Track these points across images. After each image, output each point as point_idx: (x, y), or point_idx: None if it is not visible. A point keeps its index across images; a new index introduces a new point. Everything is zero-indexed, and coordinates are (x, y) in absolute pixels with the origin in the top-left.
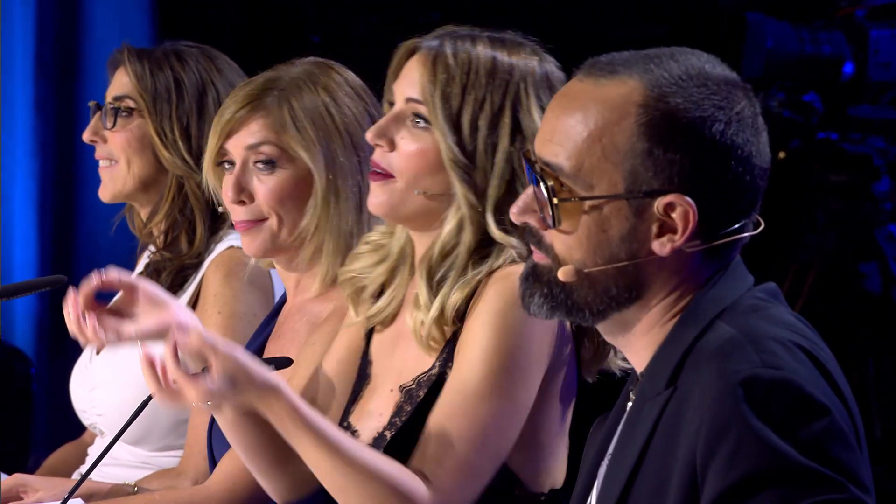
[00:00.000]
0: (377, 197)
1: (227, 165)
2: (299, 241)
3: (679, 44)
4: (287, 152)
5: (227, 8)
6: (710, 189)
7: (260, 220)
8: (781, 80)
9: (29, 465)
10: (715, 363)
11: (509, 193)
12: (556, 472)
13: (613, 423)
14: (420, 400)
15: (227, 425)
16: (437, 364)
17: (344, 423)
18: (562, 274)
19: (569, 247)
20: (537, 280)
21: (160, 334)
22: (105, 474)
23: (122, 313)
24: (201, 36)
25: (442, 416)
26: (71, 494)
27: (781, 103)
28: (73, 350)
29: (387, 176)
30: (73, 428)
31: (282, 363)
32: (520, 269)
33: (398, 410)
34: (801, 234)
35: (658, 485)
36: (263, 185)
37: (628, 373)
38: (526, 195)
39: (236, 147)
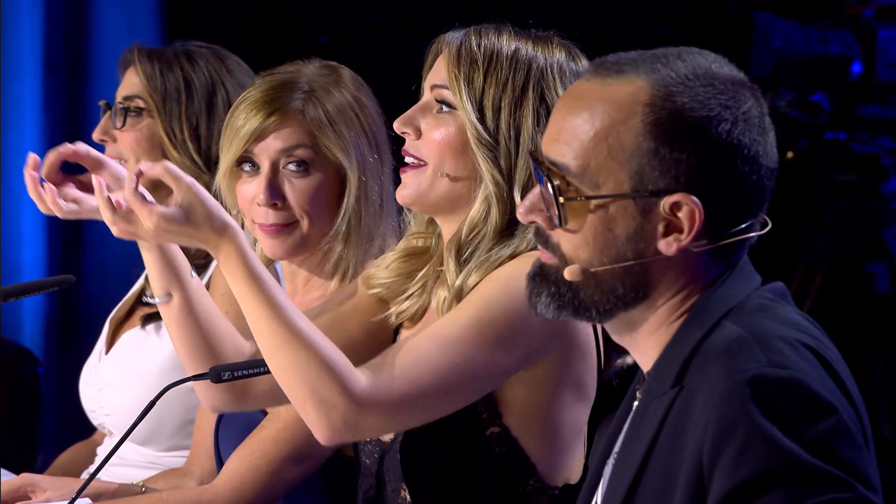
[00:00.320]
0: (406, 186)
1: (247, 168)
2: (327, 243)
3: (687, 44)
4: (322, 154)
5: (234, 7)
6: (717, 188)
7: (290, 224)
8: (789, 79)
9: (36, 465)
10: (722, 362)
11: None
12: (572, 468)
13: (619, 422)
14: None
15: (154, 262)
16: None
17: None
18: (568, 273)
19: (575, 246)
20: (544, 279)
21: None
22: (113, 474)
23: (87, 188)
24: (209, 35)
25: (417, 337)
26: (79, 494)
27: (789, 103)
28: (81, 350)
29: (416, 166)
30: (80, 428)
31: None
32: None
33: None
34: (808, 234)
35: (664, 484)
36: (297, 188)
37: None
38: (533, 194)
39: (266, 151)
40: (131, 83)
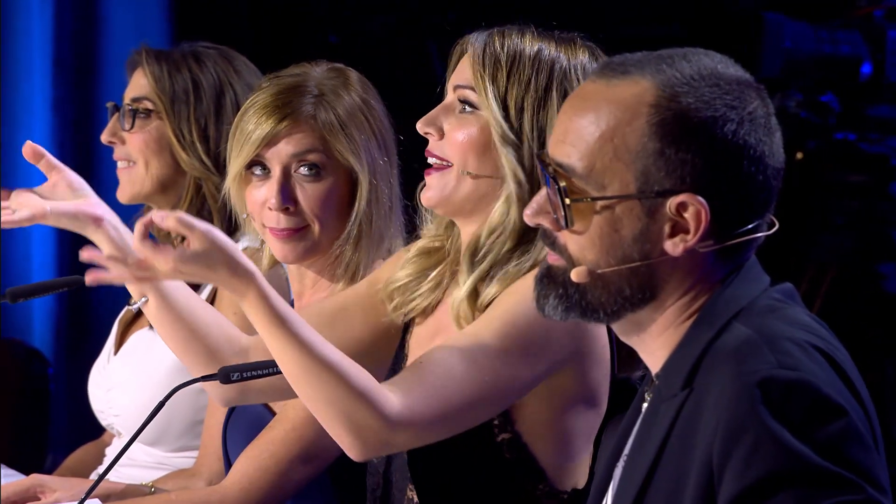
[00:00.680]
0: (431, 188)
1: (258, 172)
2: (339, 246)
3: (696, 44)
4: (334, 158)
5: (243, 8)
6: (723, 188)
7: (302, 228)
8: (799, 80)
9: (46, 466)
10: (731, 364)
11: None
12: (581, 473)
13: (629, 424)
14: None
15: (158, 313)
16: None
17: None
18: (574, 275)
19: (582, 247)
20: (552, 281)
21: (74, 219)
22: (122, 475)
23: (43, 196)
24: (218, 36)
25: (444, 349)
26: (88, 495)
27: (799, 103)
28: (90, 351)
29: (440, 168)
30: (90, 428)
31: None
32: None
33: None
34: (818, 235)
35: (674, 486)
36: (308, 192)
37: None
38: (540, 196)
39: (278, 155)
40: (139, 85)
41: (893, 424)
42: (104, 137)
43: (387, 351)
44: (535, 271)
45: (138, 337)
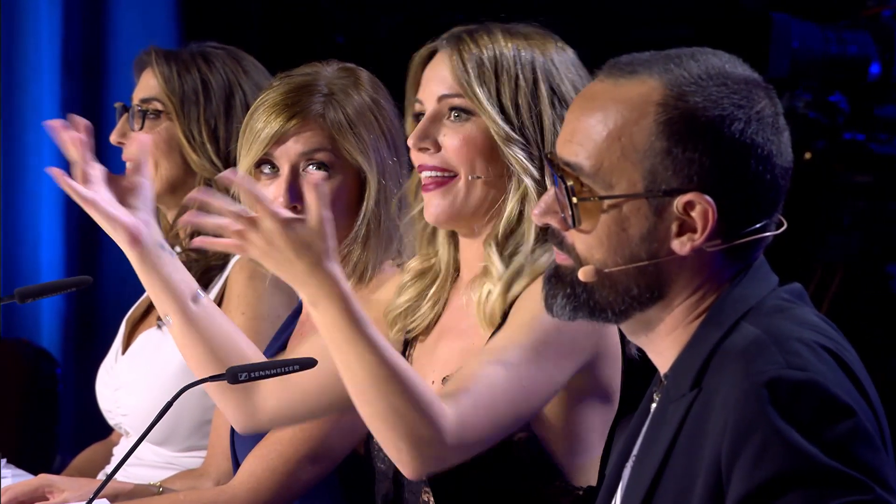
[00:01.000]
0: (436, 205)
1: (266, 170)
2: (346, 246)
3: (704, 44)
4: (342, 158)
5: (252, 8)
6: (730, 188)
7: None
8: (807, 80)
9: (54, 466)
10: (740, 364)
11: None
12: (594, 469)
13: (637, 424)
14: None
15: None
16: None
17: None
18: (582, 274)
19: (589, 246)
20: (560, 281)
21: (110, 225)
22: (130, 475)
23: (114, 183)
24: (226, 36)
25: (483, 360)
26: (96, 495)
27: (807, 104)
28: (98, 350)
29: (443, 181)
30: (98, 428)
31: (306, 363)
32: None
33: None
34: (826, 235)
35: (683, 486)
36: None
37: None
38: (547, 196)
39: (287, 154)
40: (148, 85)
41: None
42: (113, 138)
43: None
44: None
45: (146, 337)
